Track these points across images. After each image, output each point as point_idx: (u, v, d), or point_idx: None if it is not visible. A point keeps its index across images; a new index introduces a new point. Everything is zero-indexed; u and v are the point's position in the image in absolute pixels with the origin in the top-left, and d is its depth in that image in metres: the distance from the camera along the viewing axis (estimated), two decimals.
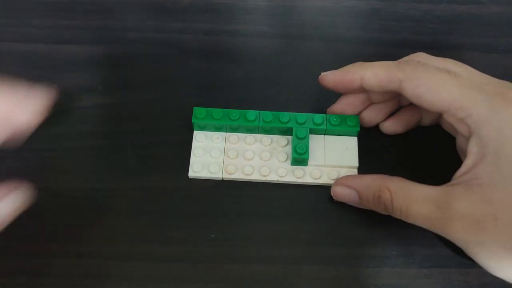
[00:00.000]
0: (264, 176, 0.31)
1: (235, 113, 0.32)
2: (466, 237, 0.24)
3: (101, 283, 0.29)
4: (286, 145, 0.32)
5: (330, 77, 0.30)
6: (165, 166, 0.32)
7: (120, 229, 0.30)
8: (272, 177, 0.31)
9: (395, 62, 0.28)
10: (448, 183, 0.26)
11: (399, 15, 0.39)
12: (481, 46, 0.38)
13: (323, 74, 0.31)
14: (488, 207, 0.23)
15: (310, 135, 0.32)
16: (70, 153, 0.33)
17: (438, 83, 0.26)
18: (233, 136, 0.33)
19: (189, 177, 0.32)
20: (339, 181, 0.30)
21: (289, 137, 0.32)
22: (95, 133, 0.33)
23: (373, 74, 0.28)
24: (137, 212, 0.31)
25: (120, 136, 0.33)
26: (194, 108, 0.32)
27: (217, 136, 0.33)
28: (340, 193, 0.30)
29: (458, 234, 0.24)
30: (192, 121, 0.32)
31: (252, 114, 0.32)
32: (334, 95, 0.32)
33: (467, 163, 0.25)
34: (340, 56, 0.37)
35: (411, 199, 0.26)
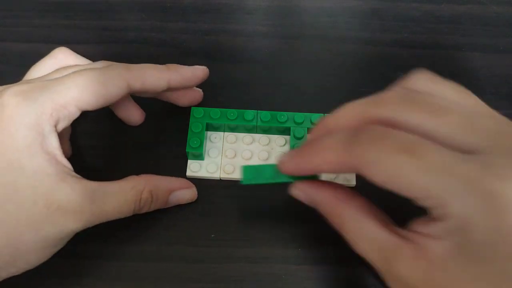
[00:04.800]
0: None
1: (233, 112, 0.32)
2: None
3: (101, 283, 0.29)
4: (284, 144, 0.32)
5: (289, 167, 0.25)
6: (164, 165, 0.32)
7: (120, 229, 0.30)
8: None
9: (346, 138, 0.22)
10: (404, 230, 0.23)
11: (399, 15, 0.39)
12: (481, 46, 0.38)
13: (281, 162, 0.25)
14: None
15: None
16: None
17: (397, 172, 0.21)
18: (231, 135, 0.33)
19: (187, 177, 0.32)
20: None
21: (287, 137, 0.32)
22: (95, 133, 0.34)
23: (326, 163, 0.23)
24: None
25: (119, 136, 0.33)
26: (192, 107, 0.32)
27: (215, 136, 0.33)
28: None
29: None
30: (190, 120, 0.32)
31: (250, 113, 0.32)
32: (332, 96, 0.32)
33: (428, 231, 0.21)
34: (340, 56, 0.37)
35: (361, 236, 0.24)
